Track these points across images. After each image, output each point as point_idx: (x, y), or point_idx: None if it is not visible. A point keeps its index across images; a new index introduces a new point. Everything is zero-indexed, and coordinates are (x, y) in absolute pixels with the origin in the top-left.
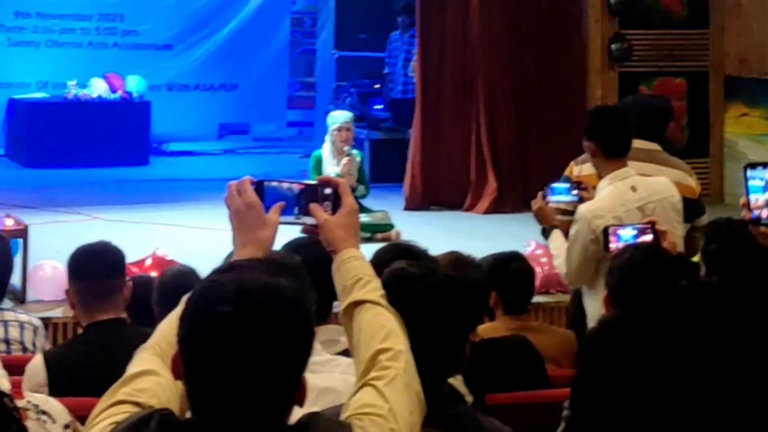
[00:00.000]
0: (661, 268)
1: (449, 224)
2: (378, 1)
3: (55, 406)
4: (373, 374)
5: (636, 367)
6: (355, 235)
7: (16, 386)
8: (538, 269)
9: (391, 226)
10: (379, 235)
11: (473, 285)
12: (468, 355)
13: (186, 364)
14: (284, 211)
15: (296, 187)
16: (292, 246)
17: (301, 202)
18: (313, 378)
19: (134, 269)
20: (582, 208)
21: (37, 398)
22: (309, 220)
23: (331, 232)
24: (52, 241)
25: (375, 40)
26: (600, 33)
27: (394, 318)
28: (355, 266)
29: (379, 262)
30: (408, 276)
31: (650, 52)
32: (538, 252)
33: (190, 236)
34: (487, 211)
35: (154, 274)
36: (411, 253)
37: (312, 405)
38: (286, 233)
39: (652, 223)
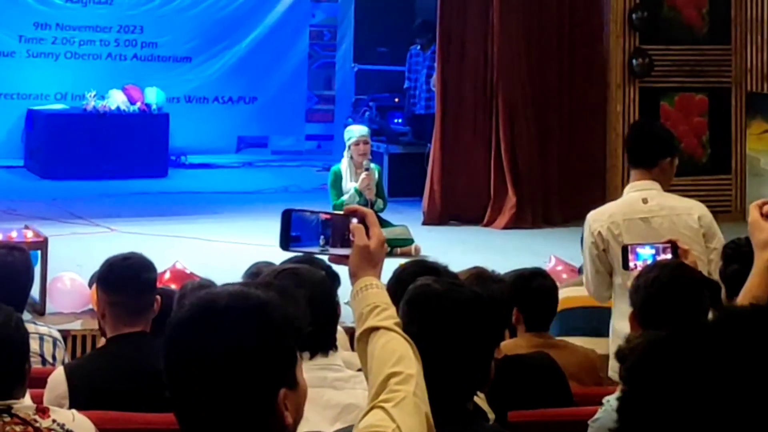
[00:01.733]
0: (688, 288)
1: (468, 239)
2: (397, 14)
3: (81, 423)
4: (382, 397)
5: (695, 390)
6: (377, 265)
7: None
8: (558, 284)
9: (411, 241)
10: (398, 250)
11: (497, 301)
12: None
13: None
14: (309, 241)
15: (323, 217)
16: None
17: (327, 231)
18: (336, 394)
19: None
20: (589, 214)
21: (63, 416)
22: (335, 251)
23: (360, 260)
24: (71, 253)
25: (394, 54)
26: (621, 48)
27: (407, 344)
28: (372, 294)
29: (401, 278)
30: (433, 292)
31: (671, 68)
32: (559, 268)
33: (208, 249)
34: (507, 227)
35: (173, 287)
36: (433, 269)
37: (335, 422)
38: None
39: (673, 242)
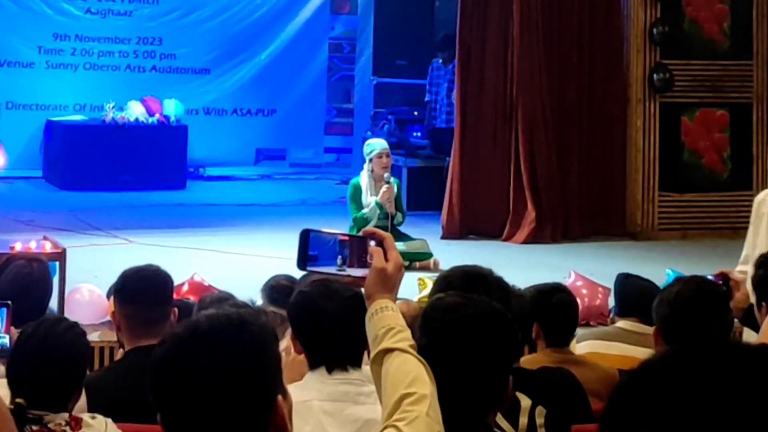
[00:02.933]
0: (713, 302)
1: (487, 254)
2: (416, 27)
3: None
4: (396, 416)
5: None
6: (393, 288)
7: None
8: (578, 301)
9: (429, 255)
10: (417, 264)
11: (516, 315)
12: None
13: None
14: (326, 260)
15: (341, 238)
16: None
17: (344, 252)
18: (357, 409)
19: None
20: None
21: (95, 427)
22: (352, 272)
23: (376, 282)
24: (89, 265)
25: (413, 67)
26: (641, 63)
27: (421, 365)
28: (388, 316)
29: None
30: (449, 306)
31: (692, 83)
32: (579, 283)
33: (226, 261)
34: (526, 242)
35: (191, 299)
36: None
37: None
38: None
39: (724, 275)
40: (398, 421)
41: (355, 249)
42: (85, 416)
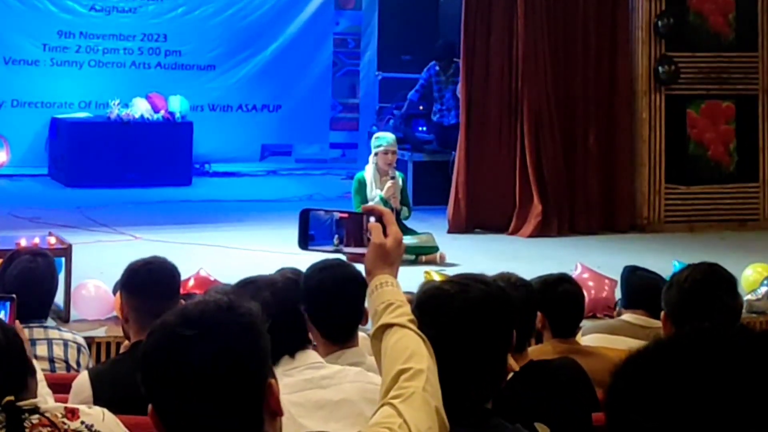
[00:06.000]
0: (722, 286)
1: (494, 247)
2: (421, 22)
3: (110, 424)
4: (392, 393)
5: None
6: (394, 263)
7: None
8: (584, 293)
9: (436, 249)
10: (423, 258)
11: (509, 302)
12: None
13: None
14: (323, 240)
15: (339, 216)
16: (319, 267)
17: (341, 231)
18: (325, 393)
19: None
20: None
21: (93, 417)
22: (349, 250)
23: (376, 258)
24: (95, 261)
25: (418, 62)
26: (647, 55)
27: (419, 339)
28: (387, 291)
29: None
30: (442, 294)
31: (698, 75)
32: (585, 276)
33: (232, 257)
34: (533, 235)
35: (198, 293)
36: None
37: (328, 421)
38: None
39: None
40: (394, 398)
41: (354, 226)
42: (82, 407)
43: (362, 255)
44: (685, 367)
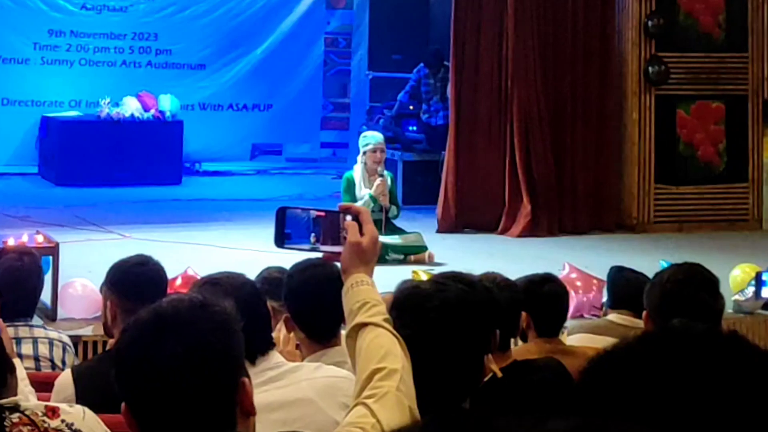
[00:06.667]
0: (704, 285)
1: (483, 247)
2: (412, 22)
3: (91, 422)
4: (366, 393)
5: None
6: (370, 262)
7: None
8: (571, 293)
9: (424, 248)
10: (412, 257)
11: (487, 303)
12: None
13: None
14: (300, 238)
15: (315, 214)
16: (302, 266)
17: (317, 229)
18: (281, 393)
19: None
20: None
21: (73, 415)
22: (326, 248)
23: (352, 256)
24: (84, 260)
25: (409, 61)
26: (637, 55)
27: (394, 339)
28: (363, 290)
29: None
30: (420, 293)
31: (687, 75)
32: (573, 276)
33: (221, 256)
34: (522, 235)
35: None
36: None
37: (284, 422)
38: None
39: None
40: (368, 398)
41: (330, 225)
42: (63, 406)
43: (338, 253)
44: (651, 366)
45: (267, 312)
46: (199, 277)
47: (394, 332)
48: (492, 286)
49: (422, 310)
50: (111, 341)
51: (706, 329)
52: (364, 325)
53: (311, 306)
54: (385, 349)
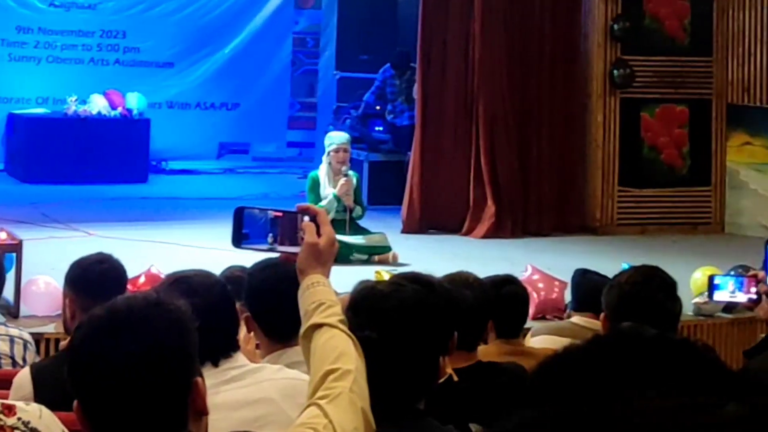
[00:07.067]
0: (662, 288)
1: (447, 248)
2: (380, 22)
3: (48, 421)
4: (319, 393)
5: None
6: (326, 263)
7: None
8: (534, 294)
9: (388, 249)
10: (376, 258)
11: (445, 304)
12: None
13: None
14: (257, 238)
15: (273, 215)
16: (263, 265)
17: (275, 230)
18: (244, 392)
19: (128, 286)
20: None
21: (29, 413)
22: (283, 248)
23: (308, 257)
24: (48, 257)
25: (376, 62)
26: (602, 59)
27: (349, 340)
28: (319, 291)
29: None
30: (376, 293)
31: (652, 79)
32: (535, 277)
33: (186, 254)
34: (486, 236)
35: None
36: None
37: (246, 420)
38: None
39: (757, 279)
40: (321, 399)
41: (288, 225)
42: (19, 404)
43: (295, 254)
44: (596, 371)
45: (235, 314)
46: (163, 276)
47: (349, 333)
48: (463, 285)
49: (378, 310)
50: (62, 343)
51: (656, 335)
52: (319, 325)
53: (271, 305)
54: (339, 350)
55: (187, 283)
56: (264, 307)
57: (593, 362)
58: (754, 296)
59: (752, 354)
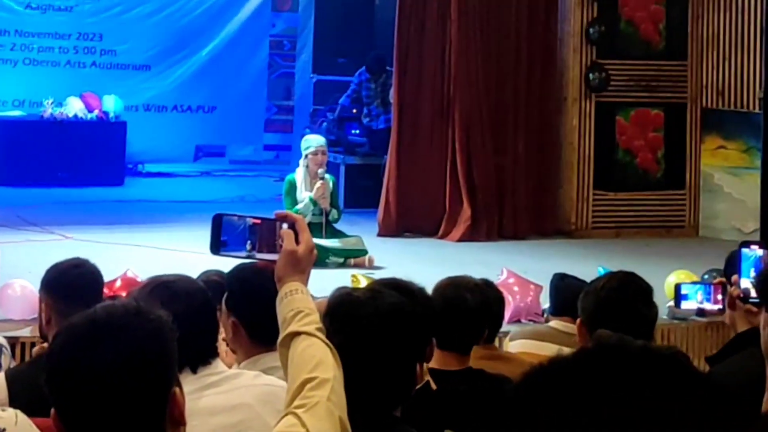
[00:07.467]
0: (637, 294)
1: (423, 251)
2: (357, 25)
3: (24, 427)
4: (296, 402)
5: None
6: (305, 271)
7: None
8: (509, 298)
9: (364, 252)
10: (352, 261)
11: (421, 312)
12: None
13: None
14: (236, 246)
15: (252, 222)
16: (241, 266)
17: (253, 237)
18: (221, 398)
19: (104, 290)
20: None
21: (5, 420)
22: (262, 256)
23: (287, 265)
24: (24, 261)
25: (353, 65)
26: (578, 62)
27: (327, 348)
28: (297, 299)
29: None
30: (353, 300)
31: (628, 83)
32: (510, 281)
33: (162, 258)
34: (462, 239)
35: (123, 295)
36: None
37: (224, 426)
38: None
39: (724, 285)
40: (298, 408)
41: (267, 233)
42: None
43: (274, 261)
44: (581, 386)
45: (216, 321)
46: (139, 279)
47: (327, 342)
48: (464, 289)
49: (354, 317)
50: (36, 348)
51: (640, 348)
52: (297, 334)
53: (259, 308)
54: (317, 359)
55: (169, 288)
56: (250, 310)
57: (578, 375)
58: (721, 306)
59: (715, 360)
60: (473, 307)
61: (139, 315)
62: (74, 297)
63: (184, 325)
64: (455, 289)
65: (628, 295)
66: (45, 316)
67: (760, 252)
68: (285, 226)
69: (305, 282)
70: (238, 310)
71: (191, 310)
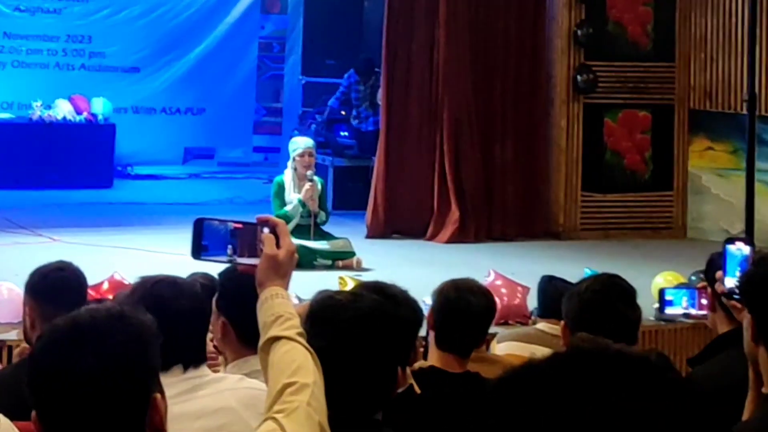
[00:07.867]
0: (621, 296)
1: (411, 253)
2: (346, 28)
3: (5, 430)
4: (276, 407)
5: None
6: (286, 275)
7: None
8: (497, 300)
9: (352, 254)
10: (340, 263)
11: (405, 315)
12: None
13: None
14: (217, 250)
15: (233, 226)
16: (231, 272)
17: (234, 241)
18: (204, 402)
19: (91, 292)
20: None
21: None
22: (243, 260)
23: (267, 269)
24: (11, 263)
25: (342, 67)
26: (566, 64)
27: (307, 353)
28: (278, 304)
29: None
30: (334, 303)
31: (615, 84)
32: (498, 282)
33: (150, 260)
34: (450, 241)
35: (111, 297)
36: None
37: (206, 430)
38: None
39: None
40: (278, 413)
41: (248, 237)
42: None
43: (255, 266)
44: (556, 389)
45: (207, 326)
46: (126, 282)
47: (308, 346)
48: (466, 292)
49: (335, 321)
50: (17, 350)
51: (615, 351)
52: (277, 338)
53: (249, 308)
54: (297, 364)
55: (176, 284)
56: (241, 311)
57: (552, 379)
58: (706, 310)
59: (696, 362)
60: (477, 311)
61: (123, 319)
62: (58, 300)
63: (185, 321)
64: (458, 291)
65: (610, 297)
66: (29, 319)
67: (746, 250)
68: (266, 230)
69: (286, 286)
70: (229, 311)
71: (193, 312)
